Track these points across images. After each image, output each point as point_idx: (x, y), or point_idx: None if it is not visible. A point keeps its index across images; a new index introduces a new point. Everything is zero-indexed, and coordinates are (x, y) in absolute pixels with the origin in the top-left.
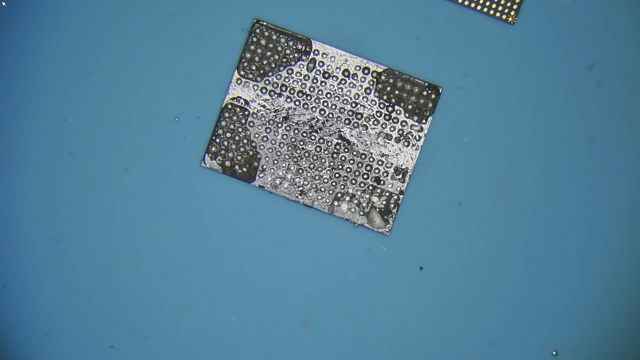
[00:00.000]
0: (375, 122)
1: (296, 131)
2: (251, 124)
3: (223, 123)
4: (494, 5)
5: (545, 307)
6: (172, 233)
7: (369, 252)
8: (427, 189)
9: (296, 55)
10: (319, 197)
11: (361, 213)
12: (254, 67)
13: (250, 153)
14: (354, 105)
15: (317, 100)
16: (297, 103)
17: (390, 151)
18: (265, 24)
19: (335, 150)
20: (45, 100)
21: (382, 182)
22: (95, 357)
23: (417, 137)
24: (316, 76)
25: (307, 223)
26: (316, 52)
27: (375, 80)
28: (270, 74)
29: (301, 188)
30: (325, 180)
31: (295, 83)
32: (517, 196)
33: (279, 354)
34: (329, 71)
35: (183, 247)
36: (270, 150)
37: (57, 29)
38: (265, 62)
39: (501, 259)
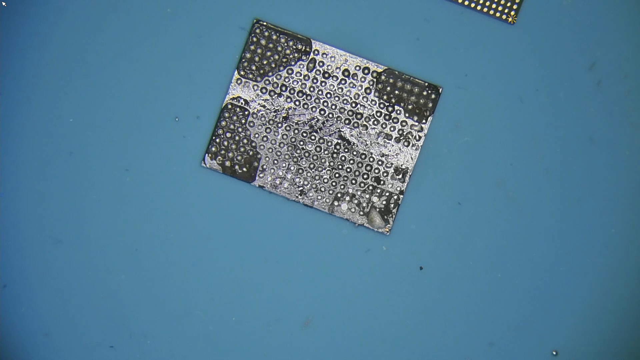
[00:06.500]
0: (375, 122)
1: (296, 131)
2: (251, 124)
3: (223, 123)
4: (494, 5)
5: (545, 307)
6: (172, 233)
7: (369, 252)
8: (427, 189)
9: (296, 55)
10: (319, 197)
11: (361, 213)
12: (254, 67)
13: (250, 153)
14: (354, 105)
15: (317, 100)
16: (297, 103)
17: (390, 151)
18: (265, 24)
19: (335, 150)
20: (45, 100)
21: (382, 182)
22: (95, 357)
23: (417, 137)
24: (316, 76)
25: (307, 223)
26: (316, 52)
27: (375, 80)
28: (270, 74)
29: (301, 188)
30: (325, 180)
31: (295, 83)
32: (517, 196)
33: (279, 354)
34: (329, 71)
35: (183, 247)
36: (270, 150)
37: (57, 29)
38: (265, 62)
39: (501, 259)
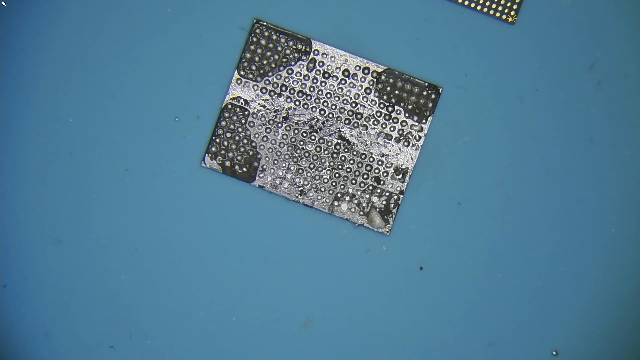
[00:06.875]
0: (375, 122)
1: (296, 131)
2: (251, 124)
3: (223, 123)
4: (494, 5)
5: (545, 307)
6: (172, 233)
7: (369, 252)
8: (427, 189)
9: (296, 55)
10: (319, 197)
11: (361, 213)
12: (254, 67)
13: (250, 153)
14: (354, 105)
15: (317, 100)
16: (297, 103)
17: (390, 151)
18: (265, 24)
19: (335, 150)
20: (45, 100)
21: (382, 182)
22: (95, 357)
23: (417, 137)
24: (316, 76)
25: (307, 223)
26: (316, 52)
27: (375, 80)
28: (270, 74)
29: (301, 188)
30: (325, 180)
31: (295, 83)
32: (517, 196)
33: (279, 354)
34: (329, 71)
35: (183, 247)
36: (270, 150)
37: (57, 29)
38: (265, 62)
39: (501, 259)
